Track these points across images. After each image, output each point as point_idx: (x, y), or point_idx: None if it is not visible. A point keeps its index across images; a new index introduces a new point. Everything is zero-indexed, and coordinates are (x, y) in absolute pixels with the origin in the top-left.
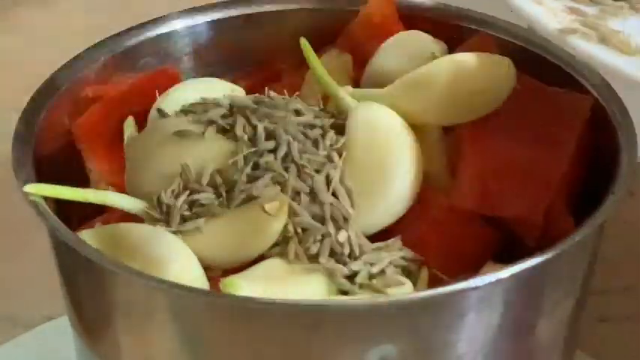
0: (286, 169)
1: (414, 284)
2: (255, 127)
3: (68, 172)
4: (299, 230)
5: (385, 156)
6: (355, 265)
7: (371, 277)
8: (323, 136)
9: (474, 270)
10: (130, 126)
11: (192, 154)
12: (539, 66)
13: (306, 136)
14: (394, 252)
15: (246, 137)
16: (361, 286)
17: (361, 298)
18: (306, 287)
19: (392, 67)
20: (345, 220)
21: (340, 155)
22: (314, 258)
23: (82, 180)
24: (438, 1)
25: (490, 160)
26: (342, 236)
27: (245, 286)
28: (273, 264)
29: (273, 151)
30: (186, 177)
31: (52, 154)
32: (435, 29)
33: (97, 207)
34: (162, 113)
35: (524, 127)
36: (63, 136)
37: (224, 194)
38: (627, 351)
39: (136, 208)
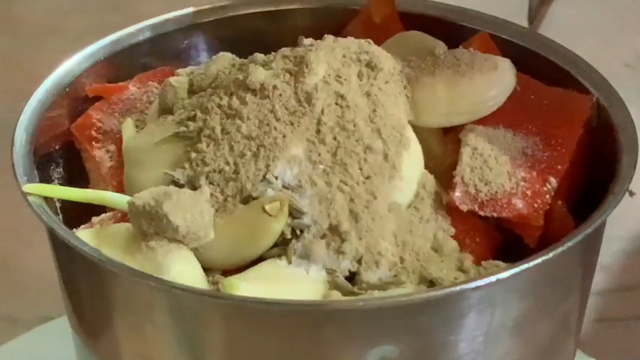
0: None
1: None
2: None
3: (68, 172)
4: (298, 231)
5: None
6: (355, 266)
7: (371, 277)
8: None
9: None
10: (128, 126)
11: (191, 154)
12: (539, 66)
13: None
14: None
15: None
16: (361, 286)
17: (361, 298)
18: (306, 287)
19: None
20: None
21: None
22: (314, 258)
23: (82, 180)
24: (438, 1)
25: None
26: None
27: (245, 286)
28: (273, 264)
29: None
30: (184, 177)
31: (52, 154)
32: (435, 29)
33: (97, 207)
34: (162, 113)
35: (524, 127)
36: (63, 136)
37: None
38: (627, 351)
39: None
